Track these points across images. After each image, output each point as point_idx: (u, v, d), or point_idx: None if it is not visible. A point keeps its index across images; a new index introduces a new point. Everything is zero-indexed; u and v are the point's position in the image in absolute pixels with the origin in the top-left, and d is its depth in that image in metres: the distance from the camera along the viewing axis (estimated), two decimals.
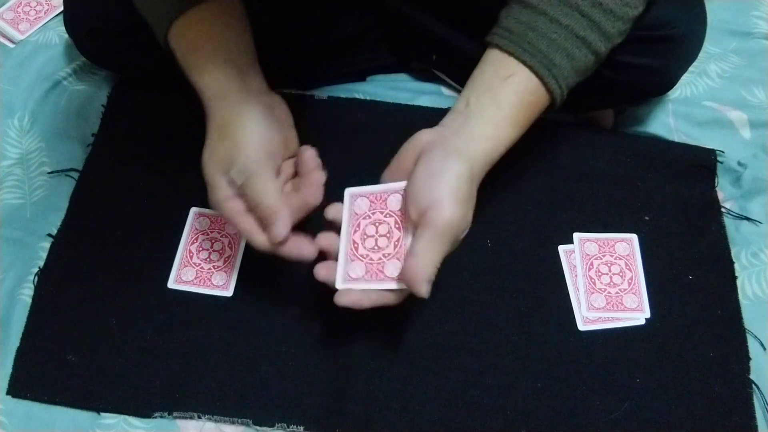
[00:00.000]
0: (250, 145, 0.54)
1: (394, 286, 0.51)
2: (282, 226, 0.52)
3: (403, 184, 0.53)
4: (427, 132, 0.55)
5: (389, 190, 0.54)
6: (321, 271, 0.53)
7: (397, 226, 0.53)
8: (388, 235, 0.53)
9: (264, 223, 0.53)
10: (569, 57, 0.54)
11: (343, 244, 0.53)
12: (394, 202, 0.54)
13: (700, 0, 0.66)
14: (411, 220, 0.51)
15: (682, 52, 0.67)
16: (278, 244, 0.53)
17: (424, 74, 0.81)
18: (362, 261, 0.52)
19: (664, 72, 0.67)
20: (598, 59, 0.56)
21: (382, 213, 0.54)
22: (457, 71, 0.71)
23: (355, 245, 0.53)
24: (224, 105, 0.55)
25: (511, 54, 0.54)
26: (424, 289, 0.49)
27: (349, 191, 0.55)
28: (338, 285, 0.52)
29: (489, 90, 0.54)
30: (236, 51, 0.58)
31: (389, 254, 0.52)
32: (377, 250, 0.52)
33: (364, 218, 0.54)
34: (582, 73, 0.56)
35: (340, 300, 0.51)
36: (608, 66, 0.60)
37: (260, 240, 0.54)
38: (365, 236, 0.53)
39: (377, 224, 0.53)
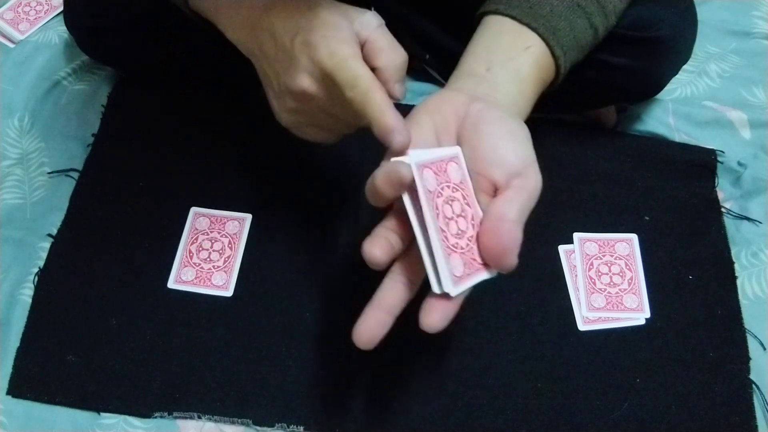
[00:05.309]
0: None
1: (487, 275, 0.43)
2: (402, 138, 0.42)
3: (456, 149, 0.44)
4: (447, 98, 0.47)
5: (446, 158, 0.43)
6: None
7: (466, 201, 0.43)
8: (462, 214, 0.42)
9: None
10: (571, 26, 0.52)
11: (434, 234, 0.40)
12: (454, 172, 0.43)
13: (689, 2, 0.65)
14: (488, 186, 0.43)
15: (669, 54, 0.65)
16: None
17: (424, 74, 0.81)
18: (456, 252, 0.41)
19: (649, 74, 0.66)
20: (596, 39, 0.55)
21: (449, 187, 0.42)
22: (448, 71, 0.71)
23: (444, 234, 0.41)
24: None
25: (525, 25, 0.51)
26: (515, 259, 0.42)
27: (415, 160, 0.40)
28: (453, 292, 0.41)
29: (511, 59, 0.50)
30: None
31: (472, 237, 0.42)
32: (461, 235, 0.42)
33: (438, 197, 0.41)
34: (581, 49, 0.54)
35: (437, 323, 0.43)
36: (591, 66, 0.58)
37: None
38: (447, 220, 0.41)
39: (450, 202, 0.42)
